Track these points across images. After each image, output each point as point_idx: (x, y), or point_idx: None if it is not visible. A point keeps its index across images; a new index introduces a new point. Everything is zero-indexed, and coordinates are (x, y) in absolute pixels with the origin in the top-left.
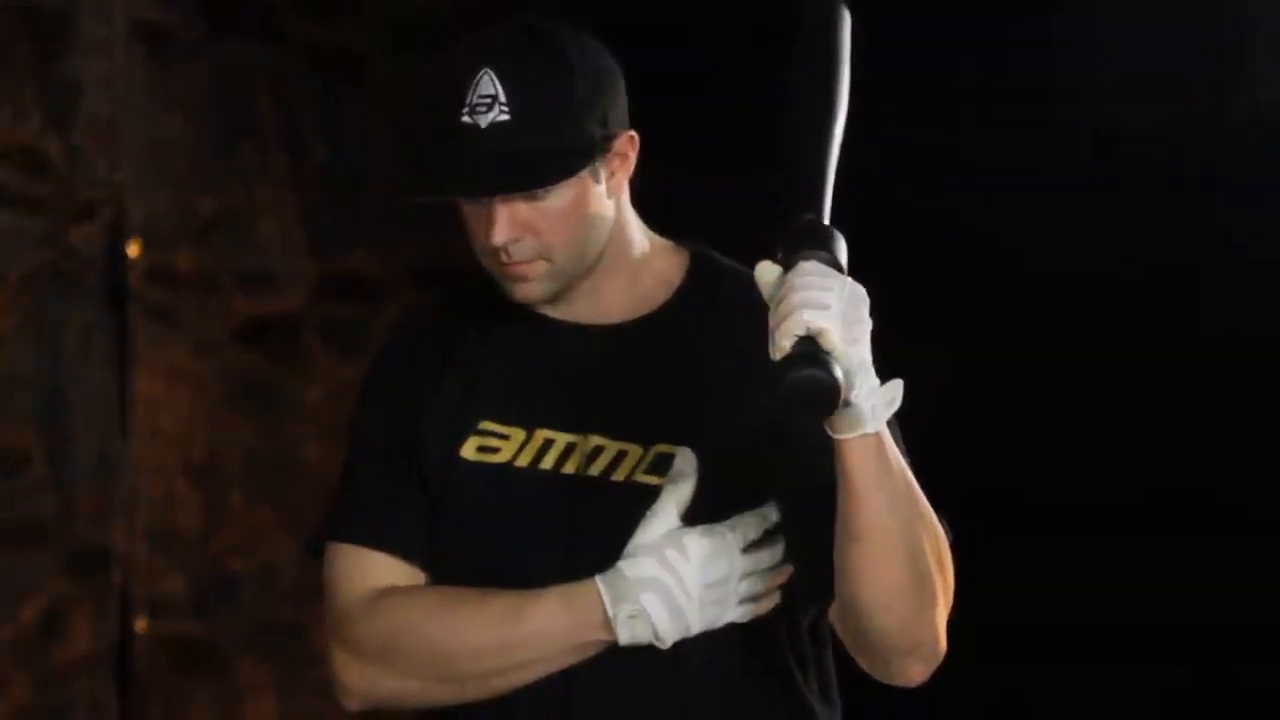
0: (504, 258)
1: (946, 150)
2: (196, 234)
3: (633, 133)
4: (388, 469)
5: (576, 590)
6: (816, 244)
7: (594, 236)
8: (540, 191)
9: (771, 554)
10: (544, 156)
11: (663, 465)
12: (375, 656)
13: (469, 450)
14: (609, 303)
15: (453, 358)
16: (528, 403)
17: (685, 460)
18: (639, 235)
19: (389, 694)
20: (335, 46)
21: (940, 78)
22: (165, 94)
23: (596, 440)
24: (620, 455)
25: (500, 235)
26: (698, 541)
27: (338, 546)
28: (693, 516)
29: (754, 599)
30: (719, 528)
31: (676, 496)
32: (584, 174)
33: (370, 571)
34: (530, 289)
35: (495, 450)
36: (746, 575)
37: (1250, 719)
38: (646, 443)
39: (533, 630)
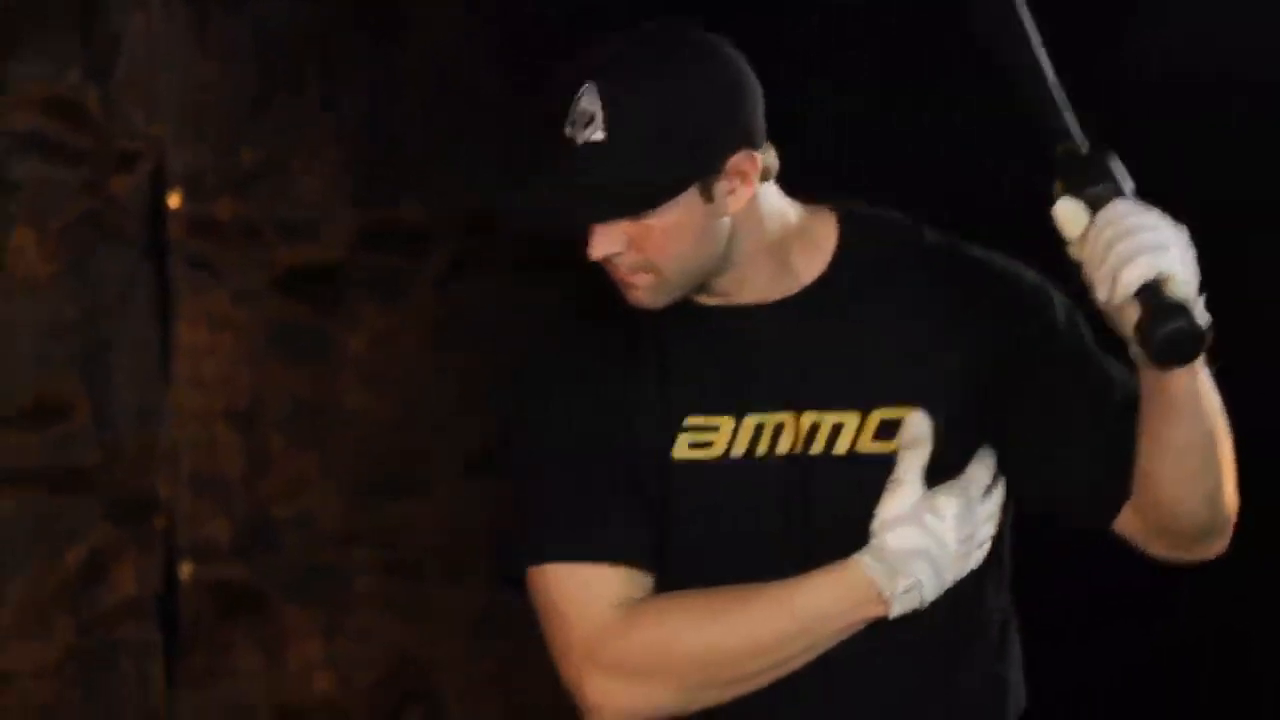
0: (608, 266)
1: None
2: (237, 184)
3: (753, 153)
4: (597, 477)
5: (845, 571)
6: (1104, 176)
7: (704, 253)
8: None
9: (999, 495)
10: (635, 183)
11: (886, 431)
12: (637, 673)
13: (681, 450)
14: (764, 284)
15: (633, 354)
16: (728, 389)
17: (919, 423)
18: (780, 217)
19: (649, 709)
20: None
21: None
22: (205, 45)
23: (811, 416)
24: (838, 427)
25: (596, 251)
26: (949, 501)
27: (560, 567)
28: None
29: (987, 542)
30: (960, 482)
31: (918, 460)
32: (691, 194)
33: (607, 588)
34: (640, 296)
35: (708, 445)
36: (986, 521)
37: None
38: (864, 409)
39: (808, 619)
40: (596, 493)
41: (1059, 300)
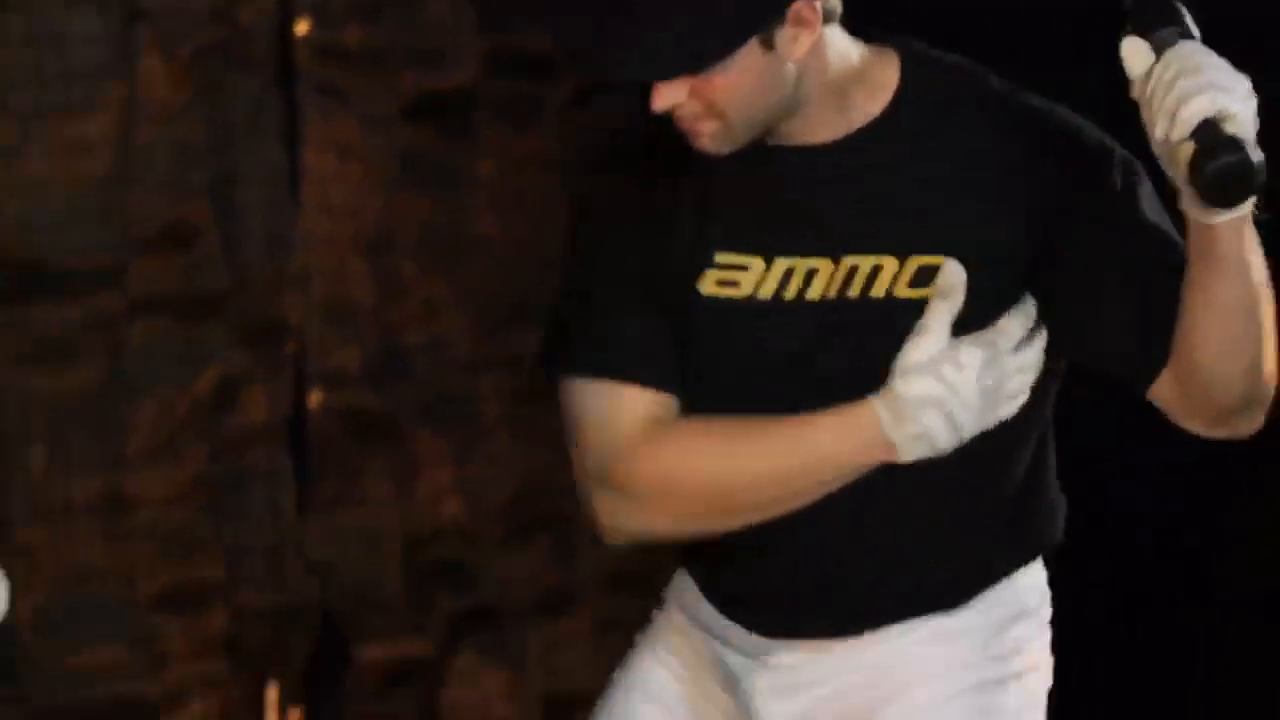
0: (674, 116)
1: None
2: (365, 11)
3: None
4: (636, 300)
5: (855, 413)
6: (1172, 19)
7: (769, 100)
8: None
9: (1036, 349)
10: (694, 38)
11: (924, 278)
12: (649, 495)
13: (708, 286)
14: (823, 124)
15: (680, 187)
16: (761, 231)
17: (954, 271)
18: (842, 56)
19: (658, 531)
20: None
21: None
22: None
23: (850, 260)
24: (876, 269)
25: (658, 104)
26: (971, 353)
27: (589, 383)
28: (957, 322)
29: (1022, 394)
30: (989, 335)
31: (949, 309)
32: (751, 46)
33: (630, 408)
34: (705, 143)
35: (734, 284)
36: (1017, 373)
37: None
38: (902, 254)
39: (815, 458)
40: (626, 314)
41: (1119, 158)
